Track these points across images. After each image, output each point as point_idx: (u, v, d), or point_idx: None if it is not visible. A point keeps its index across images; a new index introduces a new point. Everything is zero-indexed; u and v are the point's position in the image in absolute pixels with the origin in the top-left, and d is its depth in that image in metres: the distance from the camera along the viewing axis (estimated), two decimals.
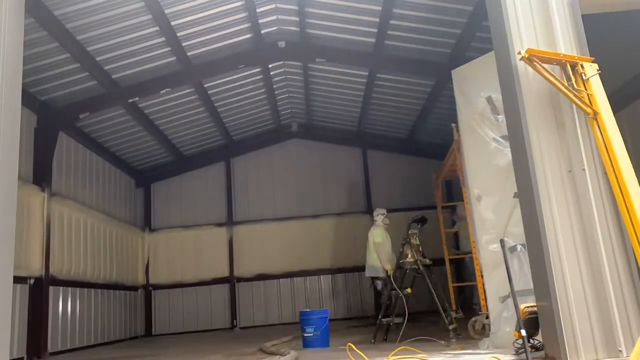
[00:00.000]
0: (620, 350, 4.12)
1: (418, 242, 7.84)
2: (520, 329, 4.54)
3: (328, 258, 14.20)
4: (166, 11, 8.46)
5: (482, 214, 6.22)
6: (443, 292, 7.69)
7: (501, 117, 5.87)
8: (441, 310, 7.24)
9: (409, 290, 7.62)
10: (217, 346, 9.09)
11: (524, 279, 5.38)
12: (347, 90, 12.35)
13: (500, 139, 6.00)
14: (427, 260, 7.80)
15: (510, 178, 5.42)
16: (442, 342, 6.49)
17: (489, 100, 6.02)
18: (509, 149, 5.55)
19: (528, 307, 4.81)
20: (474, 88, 6.41)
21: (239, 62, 10.44)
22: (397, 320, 7.54)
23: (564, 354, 4.19)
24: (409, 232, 7.81)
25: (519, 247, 5.58)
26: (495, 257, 5.76)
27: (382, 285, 10.07)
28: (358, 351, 5.86)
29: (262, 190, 15.04)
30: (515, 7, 4.92)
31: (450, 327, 6.88)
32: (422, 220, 7.88)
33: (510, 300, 5.25)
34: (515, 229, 5.60)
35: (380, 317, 7.61)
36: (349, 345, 6.06)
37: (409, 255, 7.69)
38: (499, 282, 5.68)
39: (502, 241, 5.24)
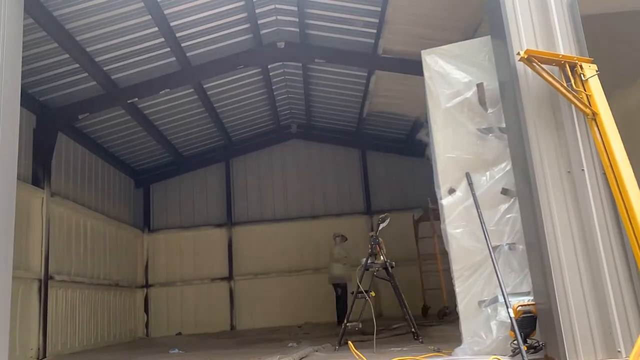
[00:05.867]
0: (619, 351, 4.12)
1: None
2: (513, 328, 4.52)
3: (327, 259, 14.12)
4: (165, 12, 8.46)
5: (454, 208, 5.53)
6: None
7: (490, 109, 5.51)
8: (410, 316, 7.31)
9: (372, 293, 7.45)
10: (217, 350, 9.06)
11: (510, 282, 5.10)
12: (346, 91, 12.35)
13: (483, 130, 5.54)
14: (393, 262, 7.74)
15: (494, 171, 5.34)
16: (431, 347, 6.36)
17: (480, 87, 5.57)
18: (491, 141, 5.45)
19: (522, 305, 4.77)
20: (457, 70, 5.77)
21: (238, 63, 10.43)
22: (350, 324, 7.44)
23: (564, 354, 4.19)
24: (378, 232, 7.66)
25: (506, 247, 5.25)
26: (474, 260, 5.31)
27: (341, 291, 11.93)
28: (356, 351, 5.85)
29: (262, 191, 15.04)
30: (514, 7, 4.93)
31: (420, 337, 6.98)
32: (384, 220, 7.61)
33: (493, 306, 5.12)
34: (501, 227, 5.29)
35: (345, 321, 7.42)
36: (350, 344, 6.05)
37: (380, 257, 7.58)
38: (477, 286, 5.25)
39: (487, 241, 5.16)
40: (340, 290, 12.00)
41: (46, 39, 8.05)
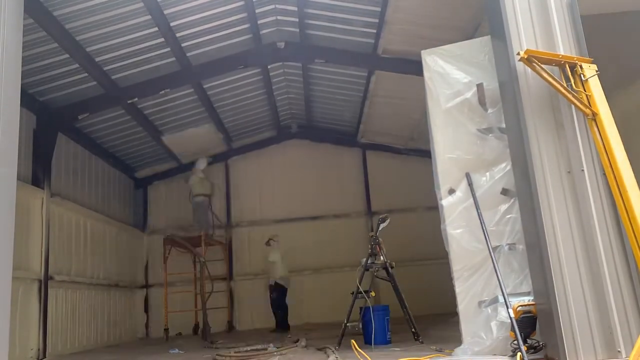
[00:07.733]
0: (619, 351, 4.12)
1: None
2: (514, 328, 4.52)
3: (327, 259, 14.15)
4: (165, 12, 8.45)
5: (454, 209, 5.54)
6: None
7: (490, 109, 5.52)
8: (410, 316, 7.32)
9: (373, 293, 7.48)
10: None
11: (510, 282, 5.11)
12: (346, 91, 12.35)
13: (483, 130, 5.55)
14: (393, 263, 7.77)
15: (494, 171, 5.35)
16: (432, 347, 6.37)
17: (480, 87, 5.58)
18: (491, 142, 5.45)
19: (522, 305, 4.77)
20: (457, 71, 5.77)
21: (238, 63, 10.43)
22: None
23: (564, 354, 4.19)
24: (378, 232, 7.69)
25: (506, 247, 5.26)
26: (475, 260, 5.31)
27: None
28: (359, 349, 5.85)
29: (261, 191, 14.99)
30: (514, 7, 4.94)
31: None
32: (384, 220, 7.63)
33: (493, 306, 5.13)
34: (501, 227, 5.30)
35: (345, 321, 7.40)
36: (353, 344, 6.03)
37: (380, 257, 7.60)
38: (477, 286, 5.26)
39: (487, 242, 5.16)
40: (276, 293, 12.47)
41: (46, 39, 8.04)
